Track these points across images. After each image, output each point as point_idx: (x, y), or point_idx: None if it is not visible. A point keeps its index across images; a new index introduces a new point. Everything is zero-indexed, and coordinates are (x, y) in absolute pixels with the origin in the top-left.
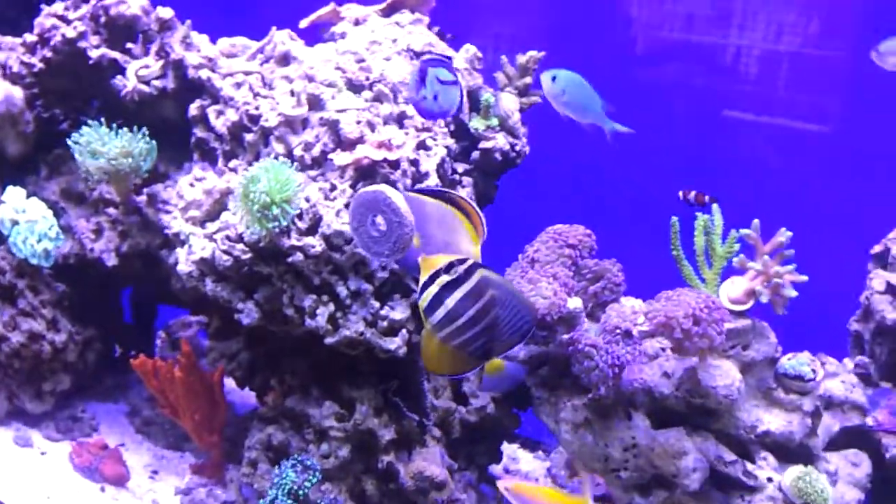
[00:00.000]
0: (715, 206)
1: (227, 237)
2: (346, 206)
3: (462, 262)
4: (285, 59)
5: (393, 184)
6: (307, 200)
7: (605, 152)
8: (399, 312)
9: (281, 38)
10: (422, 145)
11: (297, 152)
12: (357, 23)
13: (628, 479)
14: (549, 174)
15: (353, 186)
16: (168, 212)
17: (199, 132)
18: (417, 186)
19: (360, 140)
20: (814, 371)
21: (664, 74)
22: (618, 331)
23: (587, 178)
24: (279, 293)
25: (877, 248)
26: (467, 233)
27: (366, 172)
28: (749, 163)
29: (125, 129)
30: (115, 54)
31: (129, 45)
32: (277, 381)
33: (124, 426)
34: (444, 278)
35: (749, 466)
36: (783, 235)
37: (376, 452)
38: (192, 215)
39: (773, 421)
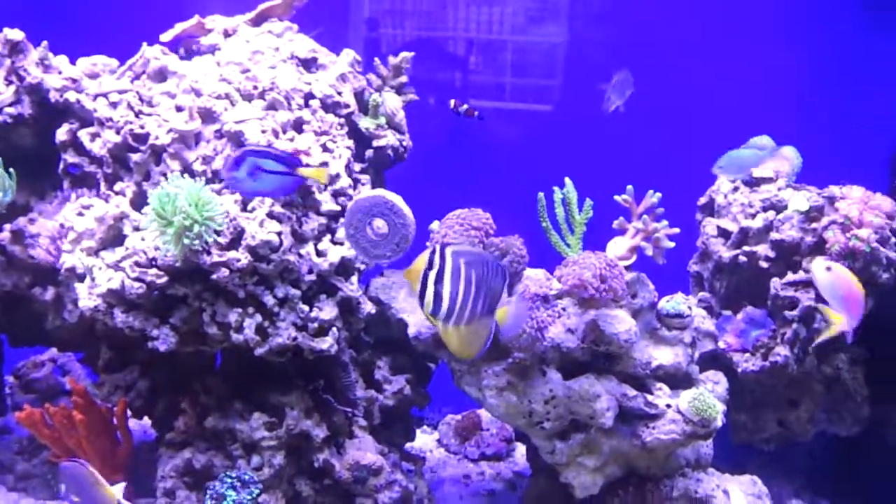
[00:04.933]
0: (568, 180)
1: (137, 263)
2: (269, 215)
3: (433, 251)
4: (161, 75)
5: (308, 188)
6: (226, 215)
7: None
8: (327, 312)
9: (153, 54)
10: (325, 148)
11: (198, 167)
12: (227, 34)
13: (551, 428)
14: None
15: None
16: (39, 246)
17: (70, 158)
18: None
19: None
20: (689, 308)
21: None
22: (536, 298)
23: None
24: (197, 313)
25: (702, 200)
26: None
27: None
28: (498, 144)
29: None
30: None
31: None
32: (189, 403)
33: None
34: (431, 275)
35: (649, 398)
36: (654, 196)
37: (310, 452)
38: (86, 246)
39: (662, 356)
